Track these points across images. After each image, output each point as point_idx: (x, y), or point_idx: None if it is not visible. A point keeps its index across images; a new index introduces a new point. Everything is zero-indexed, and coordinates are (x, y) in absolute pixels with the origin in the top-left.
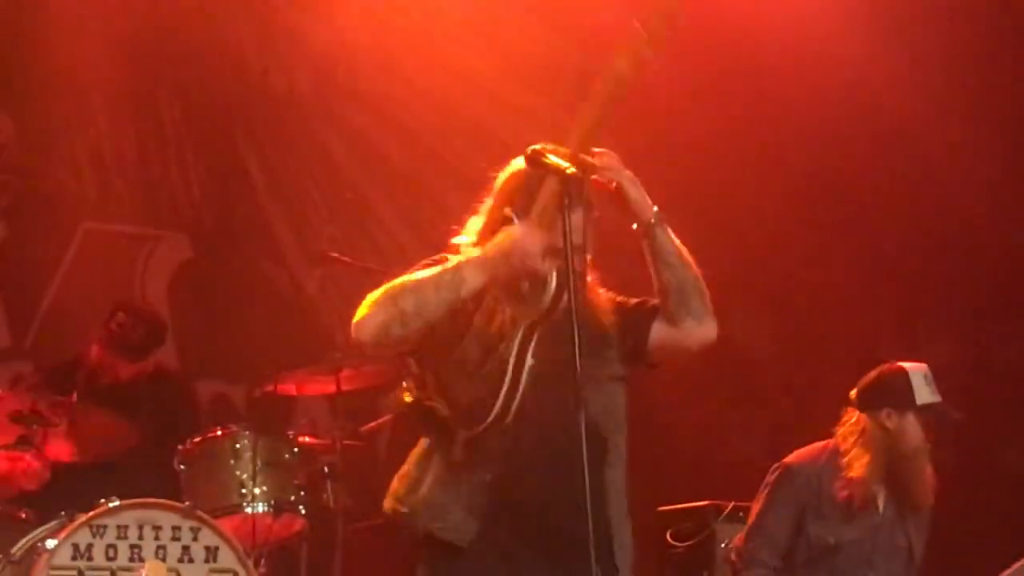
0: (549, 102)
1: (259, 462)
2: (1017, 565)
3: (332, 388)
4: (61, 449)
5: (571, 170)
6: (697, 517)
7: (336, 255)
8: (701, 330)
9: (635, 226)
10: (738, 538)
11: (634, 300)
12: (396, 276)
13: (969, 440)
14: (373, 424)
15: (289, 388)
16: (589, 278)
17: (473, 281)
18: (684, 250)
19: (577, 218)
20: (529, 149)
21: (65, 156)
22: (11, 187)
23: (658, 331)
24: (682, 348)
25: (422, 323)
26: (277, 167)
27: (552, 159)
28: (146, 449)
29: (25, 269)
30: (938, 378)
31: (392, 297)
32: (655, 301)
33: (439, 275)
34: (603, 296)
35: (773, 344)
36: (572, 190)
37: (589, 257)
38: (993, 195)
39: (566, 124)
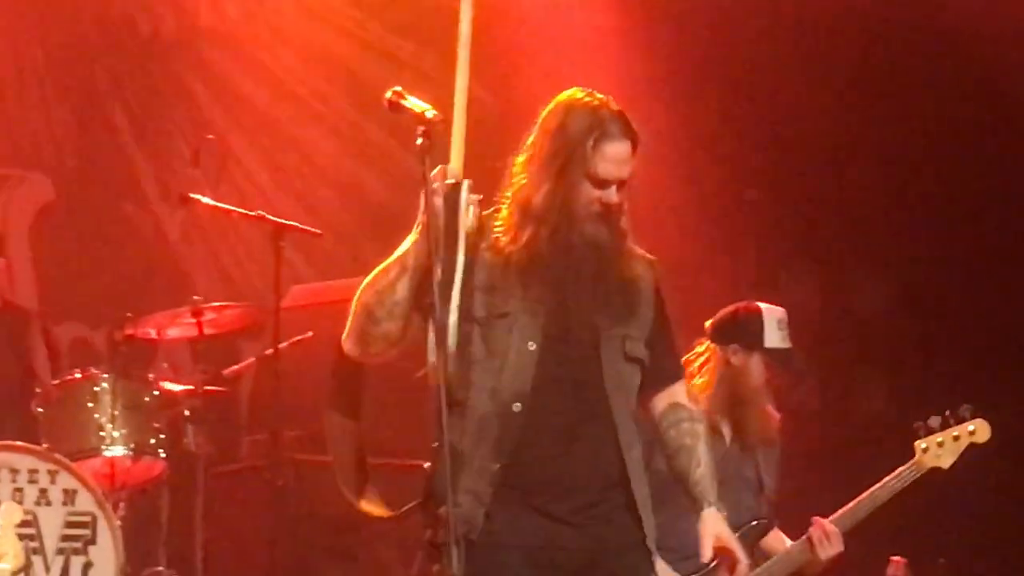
0: (414, 45)
1: (119, 405)
2: (851, 504)
3: (193, 332)
4: None
5: (431, 113)
6: None
7: (197, 197)
8: None
9: None
10: None
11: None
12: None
13: (828, 385)
14: (235, 369)
15: (150, 332)
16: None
17: (412, 246)
18: None
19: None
20: (388, 92)
21: None
22: None
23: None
24: None
25: (390, 313)
26: (140, 110)
27: (411, 102)
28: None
29: None
30: (797, 325)
31: (357, 300)
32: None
33: (390, 259)
34: (638, 256)
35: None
36: (433, 134)
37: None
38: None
39: (430, 68)
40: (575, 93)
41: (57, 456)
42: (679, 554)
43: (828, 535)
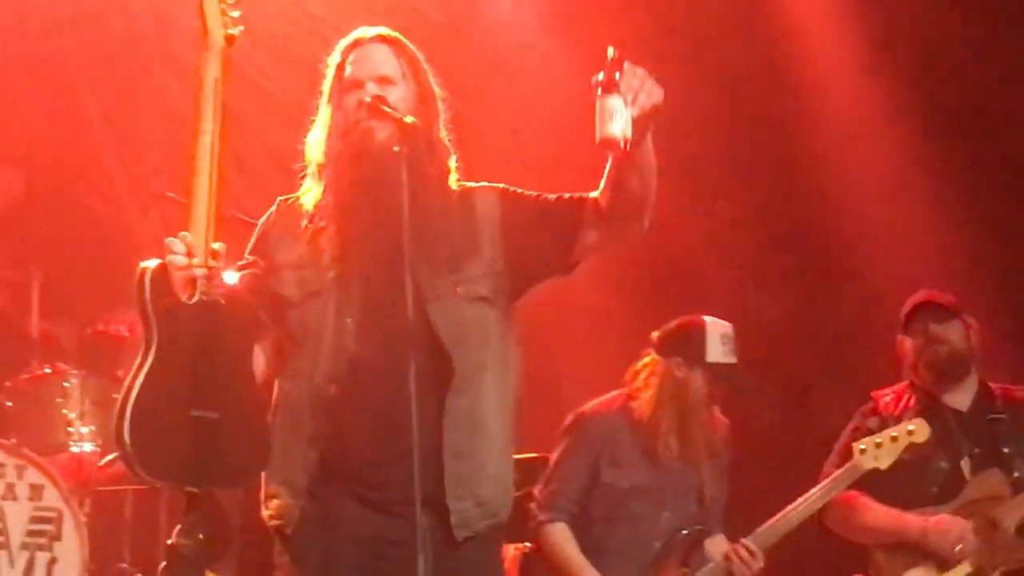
0: None
1: (87, 402)
2: (780, 514)
3: None
4: None
5: (409, 119)
6: (525, 469)
7: (172, 195)
8: (635, 226)
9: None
10: (538, 488)
11: (544, 198)
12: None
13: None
14: None
15: (120, 329)
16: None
17: None
18: None
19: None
20: (367, 97)
21: None
22: None
23: (591, 228)
24: (616, 243)
25: None
26: (114, 107)
27: (390, 109)
28: None
29: None
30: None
31: None
32: (583, 200)
33: None
34: (480, 194)
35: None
36: (411, 140)
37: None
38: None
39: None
40: None
41: (25, 451)
42: None
43: (743, 558)
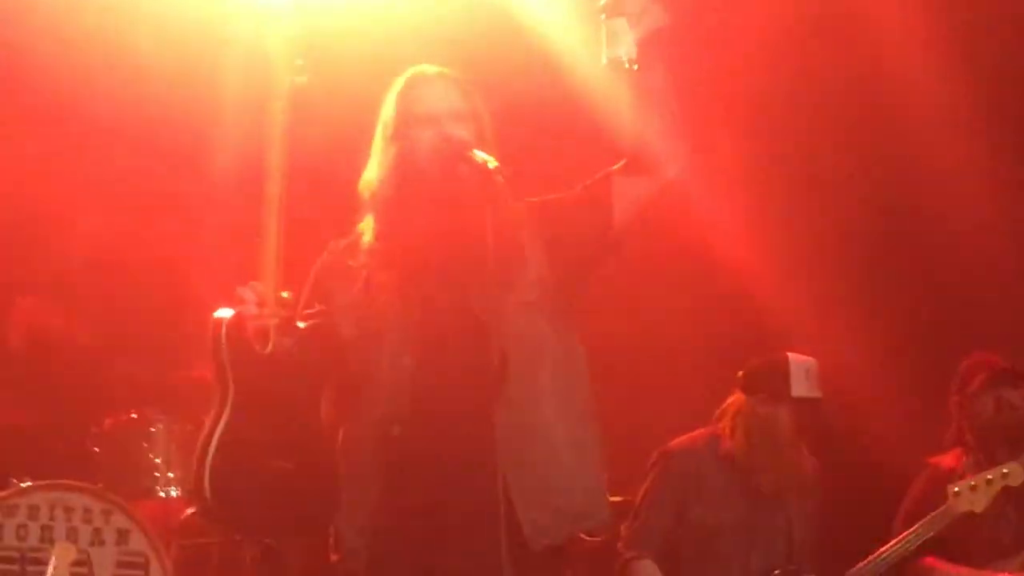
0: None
1: (173, 447)
2: (875, 555)
3: None
4: None
5: (492, 164)
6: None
7: (257, 240)
8: (673, 171)
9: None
10: (624, 525)
11: (574, 188)
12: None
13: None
14: None
15: (205, 373)
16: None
17: None
18: None
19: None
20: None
21: None
22: None
23: (622, 195)
24: (652, 199)
25: None
26: (200, 148)
27: (476, 154)
28: (58, 424)
29: None
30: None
31: None
32: (609, 169)
33: None
34: (513, 209)
35: (694, 339)
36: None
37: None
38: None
39: None
40: None
41: (111, 496)
42: None
43: None
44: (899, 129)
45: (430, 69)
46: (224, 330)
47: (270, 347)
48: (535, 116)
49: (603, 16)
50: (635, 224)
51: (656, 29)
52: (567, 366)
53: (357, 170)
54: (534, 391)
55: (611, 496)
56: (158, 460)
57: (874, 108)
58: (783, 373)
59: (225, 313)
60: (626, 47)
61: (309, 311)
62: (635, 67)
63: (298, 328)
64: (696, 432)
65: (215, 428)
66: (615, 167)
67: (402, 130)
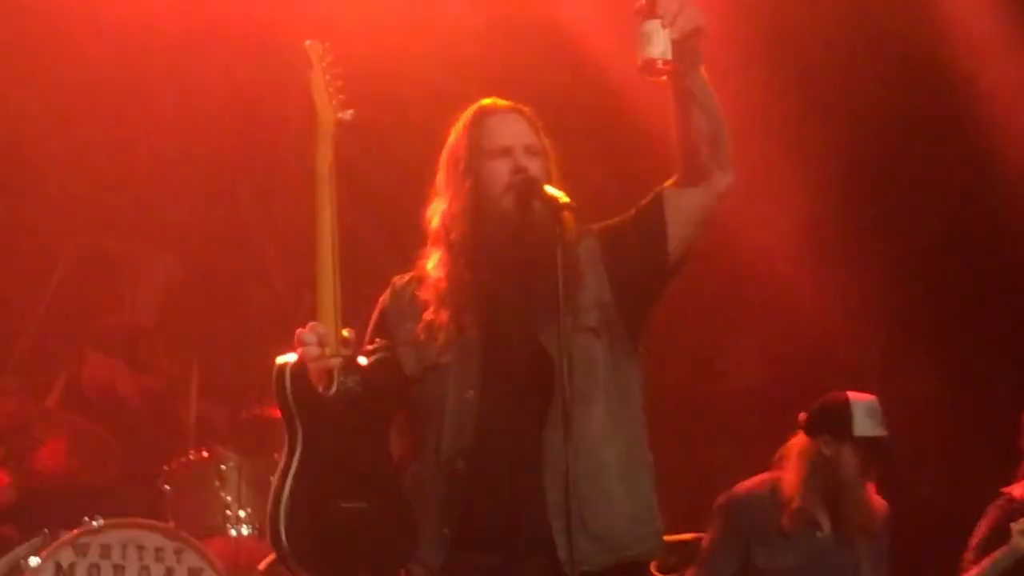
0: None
1: (244, 485)
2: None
3: None
4: (46, 464)
5: (564, 200)
6: (683, 551)
7: None
8: (725, 180)
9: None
10: (688, 572)
11: (623, 217)
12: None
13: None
14: None
15: (275, 411)
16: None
17: None
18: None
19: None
20: (530, 181)
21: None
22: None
23: (677, 209)
24: (707, 210)
25: None
26: (266, 189)
27: (548, 189)
28: (131, 467)
29: (14, 284)
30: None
31: None
32: (658, 188)
33: None
34: (579, 243)
35: (764, 379)
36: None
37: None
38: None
39: None
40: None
41: (183, 534)
42: None
43: None
44: (975, 165)
45: (500, 102)
46: (288, 375)
47: (334, 388)
48: (591, 142)
49: (640, 20)
50: (694, 242)
51: (693, 30)
52: (620, 393)
53: (420, 204)
54: (584, 416)
55: (682, 534)
56: (229, 498)
57: (954, 144)
58: (845, 413)
59: (288, 358)
60: (660, 48)
61: (371, 347)
62: (666, 66)
63: (361, 366)
64: (759, 476)
65: (287, 474)
66: (666, 184)
67: (475, 164)
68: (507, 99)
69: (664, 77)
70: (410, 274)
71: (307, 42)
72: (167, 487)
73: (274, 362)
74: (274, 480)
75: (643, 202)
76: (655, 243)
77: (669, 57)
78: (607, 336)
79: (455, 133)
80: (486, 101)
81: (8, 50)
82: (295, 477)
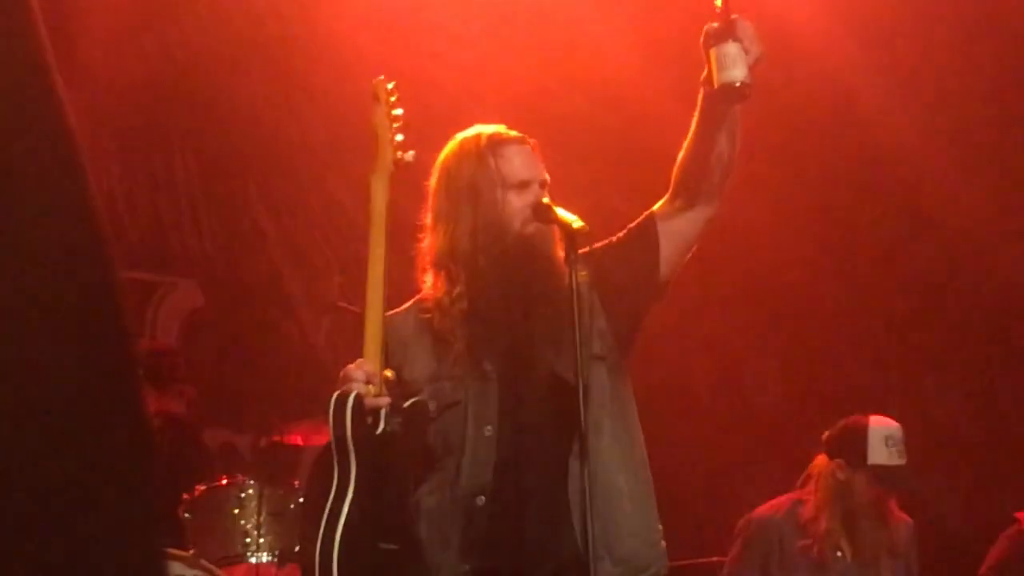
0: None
1: (264, 512)
2: None
3: None
4: None
5: (578, 224)
6: (703, 574)
7: (344, 304)
8: (714, 209)
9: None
10: None
11: (614, 240)
12: None
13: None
14: None
15: (296, 438)
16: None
17: None
18: None
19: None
20: (540, 205)
21: None
22: None
23: (670, 233)
24: (698, 235)
25: None
26: (287, 216)
27: (560, 212)
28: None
29: None
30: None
31: None
32: (648, 211)
33: None
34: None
35: (782, 400)
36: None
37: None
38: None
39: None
40: (451, 144)
41: (203, 562)
42: None
43: None
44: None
45: (508, 132)
46: (350, 408)
47: (381, 426)
48: (608, 166)
49: (713, 42)
50: (680, 266)
51: (761, 54)
52: (624, 416)
53: None
54: (598, 442)
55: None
56: (249, 526)
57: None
58: (861, 439)
59: (349, 391)
60: (743, 71)
61: (407, 390)
62: (748, 92)
63: (403, 408)
64: (780, 498)
65: (340, 507)
66: (655, 207)
67: (493, 194)
68: (524, 123)
69: (741, 102)
70: (405, 306)
71: (377, 79)
72: (186, 515)
73: (334, 394)
74: (325, 511)
75: (632, 226)
76: (648, 266)
77: (749, 81)
78: (609, 361)
79: (467, 160)
80: (491, 129)
81: None
82: (349, 511)
